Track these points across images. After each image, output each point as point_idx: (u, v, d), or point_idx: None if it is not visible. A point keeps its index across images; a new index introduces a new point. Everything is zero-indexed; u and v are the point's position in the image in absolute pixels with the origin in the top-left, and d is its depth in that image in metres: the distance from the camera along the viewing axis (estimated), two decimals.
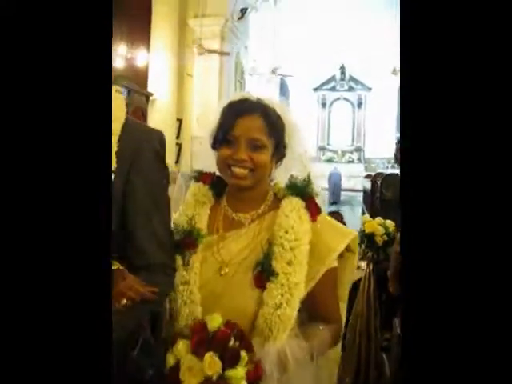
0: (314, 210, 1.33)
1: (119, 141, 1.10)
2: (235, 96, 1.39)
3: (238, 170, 1.30)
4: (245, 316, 1.25)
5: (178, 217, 1.39)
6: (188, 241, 1.31)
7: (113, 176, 1.07)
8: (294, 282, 1.23)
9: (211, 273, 1.31)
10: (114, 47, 10.30)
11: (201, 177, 1.44)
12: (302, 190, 1.34)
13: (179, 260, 1.30)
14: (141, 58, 10.18)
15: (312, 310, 1.34)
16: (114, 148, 1.08)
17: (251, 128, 1.29)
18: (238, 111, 1.31)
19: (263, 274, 1.25)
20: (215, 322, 1.15)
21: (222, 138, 1.31)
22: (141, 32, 10.12)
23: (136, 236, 1.16)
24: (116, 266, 1.08)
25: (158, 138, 1.21)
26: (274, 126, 1.31)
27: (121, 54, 10.22)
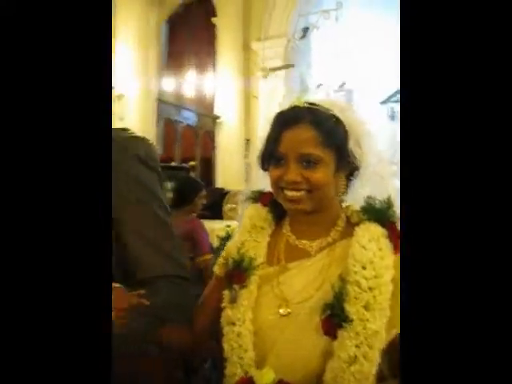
0: (397, 239, 1.02)
1: None
2: (284, 104, 1.15)
3: (291, 194, 1.07)
4: (308, 369, 1.01)
5: (231, 244, 1.19)
6: (235, 273, 1.10)
7: None
8: (372, 330, 0.96)
9: (268, 312, 1.07)
10: (182, 74, 10.74)
11: (259, 197, 1.22)
12: (381, 213, 1.06)
13: (227, 296, 1.10)
14: (208, 82, 10.56)
15: (395, 365, 1.00)
16: None
17: (299, 141, 1.06)
18: (283, 122, 1.10)
19: (333, 319, 0.99)
20: (265, 378, 0.97)
21: (269, 156, 1.11)
22: (207, 58, 10.51)
23: (132, 249, 1.06)
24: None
25: (141, 144, 1.12)
26: (332, 133, 1.06)
27: (189, 81, 10.66)
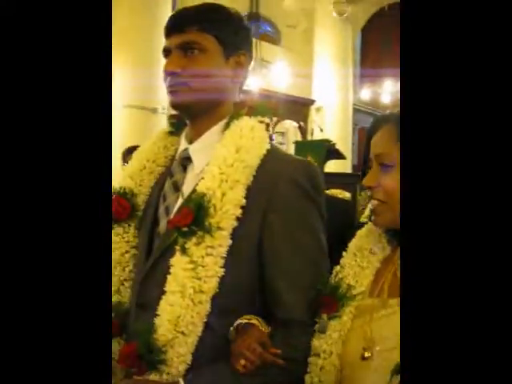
0: None
1: (256, 174, 0.95)
2: None
3: (372, 204, 0.95)
4: None
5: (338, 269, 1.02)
6: (326, 300, 0.96)
7: (241, 212, 0.93)
8: None
9: (356, 350, 0.93)
10: (378, 82, 10.78)
11: None
12: None
13: (317, 325, 0.97)
14: (387, 87, 10.43)
15: None
16: (246, 181, 0.94)
17: (379, 143, 0.95)
18: (369, 130, 1.00)
19: None
20: None
21: (365, 169, 1.00)
22: (388, 62, 10.41)
23: (274, 285, 0.97)
24: (249, 319, 0.92)
25: (302, 168, 1.00)
26: None
27: (385, 88, 10.67)
